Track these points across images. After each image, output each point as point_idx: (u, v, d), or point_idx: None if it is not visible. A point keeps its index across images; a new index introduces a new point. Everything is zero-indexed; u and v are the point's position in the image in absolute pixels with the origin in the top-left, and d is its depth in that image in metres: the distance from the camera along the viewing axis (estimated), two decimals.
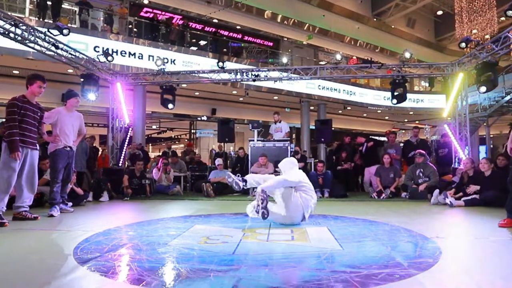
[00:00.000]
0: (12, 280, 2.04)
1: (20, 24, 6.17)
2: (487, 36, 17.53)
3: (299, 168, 8.16)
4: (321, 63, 19.16)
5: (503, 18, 18.44)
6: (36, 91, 4.25)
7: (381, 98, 17.60)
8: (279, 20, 19.55)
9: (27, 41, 6.37)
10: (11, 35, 6.04)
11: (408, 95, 8.98)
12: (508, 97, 13.09)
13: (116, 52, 11.07)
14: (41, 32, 6.60)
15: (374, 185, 7.43)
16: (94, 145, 9.33)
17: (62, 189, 4.94)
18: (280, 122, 8.84)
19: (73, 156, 5.08)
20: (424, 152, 7.03)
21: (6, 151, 3.99)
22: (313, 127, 11.12)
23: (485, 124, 14.91)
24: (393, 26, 23.36)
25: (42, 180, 5.60)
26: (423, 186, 6.55)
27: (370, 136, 8.93)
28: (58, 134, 4.82)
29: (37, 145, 4.36)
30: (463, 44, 7.43)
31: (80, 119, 5.15)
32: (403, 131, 22.72)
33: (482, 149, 17.02)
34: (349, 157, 8.61)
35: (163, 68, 8.74)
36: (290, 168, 4.08)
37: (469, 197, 5.48)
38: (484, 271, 2.22)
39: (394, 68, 8.83)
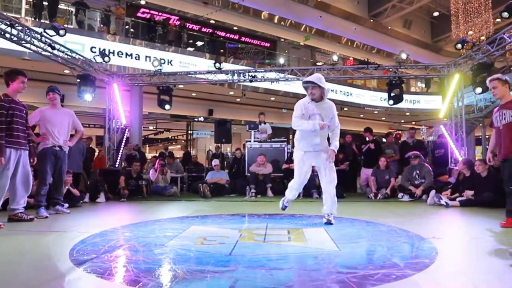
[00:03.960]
0: (8, 281, 2.02)
1: (16, 25, 6.14)
2: (483, 38, 17.62)
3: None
4: (318, 64, 19.18)
5: (498, 20, 18.52)
6: (19, 87, 3.99)
7: (378, 99, 17.63)
8: (276, 21, 19.56)
9: (23, 42, 6.35)
10: (7, 35, 6.01)
11: (405, 96, 8.99)
12: None
13: (113, 52, 11.02)
14: (37, 33, 6.57)
15: (371, 185, 7.44)
16: (90, 146, 9.31)
17: (57, 190, 4.84)
18: (264, 123, 8.79)
19: (65, 156, 4.84)
20: (418, 153, 7.04)
21: None
22: None
23: (481, 125, 14.96)
24: (389, 27, 23.41)
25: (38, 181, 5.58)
26: (419, 190, 6.50)
27: (375, 137, 8.92)
28: (45, 133, 4.67)
29: (27, 145, 4.16)
30: (459, 45, 7.48)
31: (70, 116, 4.93)
32: (400, 131, 22.81)
33: (478, 149, 17.09)
34: (346, 158, 8.60)
35: (160, 69, 8.73)
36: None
37: (464, 198, 5.51)
38: (480, 271, 2.23)
39: (390, 69, 8.85)
